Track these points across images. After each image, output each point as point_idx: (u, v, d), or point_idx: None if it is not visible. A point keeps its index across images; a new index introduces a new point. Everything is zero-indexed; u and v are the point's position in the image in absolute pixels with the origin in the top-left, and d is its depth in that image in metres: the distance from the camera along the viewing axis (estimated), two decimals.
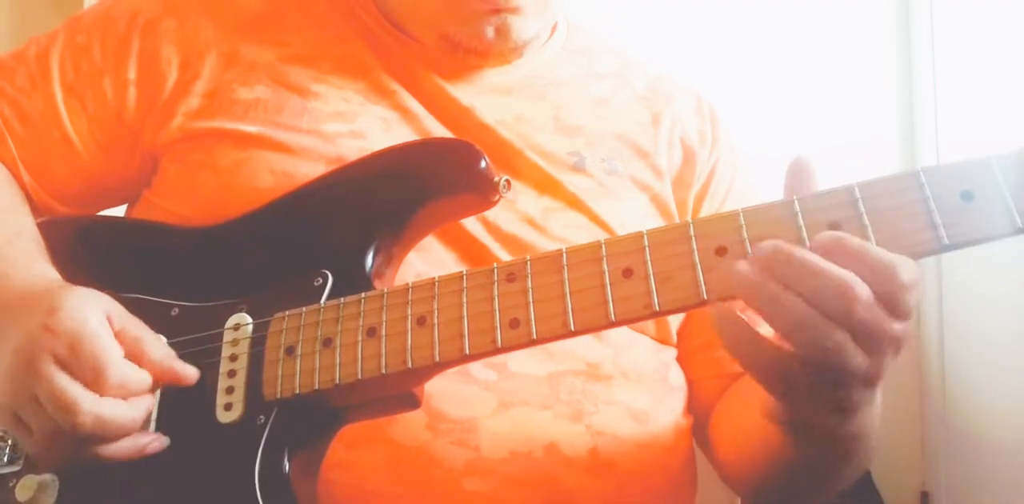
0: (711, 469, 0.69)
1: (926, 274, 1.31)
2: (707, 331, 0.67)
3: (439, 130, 0.66)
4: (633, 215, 0.67)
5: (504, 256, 0.62)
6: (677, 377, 0.67)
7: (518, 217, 0.64)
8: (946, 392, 1.25)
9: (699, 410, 0.68)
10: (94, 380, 0.51)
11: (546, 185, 0.65)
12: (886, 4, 1.45)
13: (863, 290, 0.41)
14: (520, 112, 0.68)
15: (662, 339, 0.66)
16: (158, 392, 0.56)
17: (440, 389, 0.56)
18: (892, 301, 0.42)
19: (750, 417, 0.55)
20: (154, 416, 0.56)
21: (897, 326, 0.42)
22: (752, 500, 0.66)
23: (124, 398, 0.52)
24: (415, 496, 0.55)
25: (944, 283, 1.28)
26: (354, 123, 0.65)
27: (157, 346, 0.55)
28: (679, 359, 0.68)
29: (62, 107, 0.68)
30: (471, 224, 0.63)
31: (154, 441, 0.53)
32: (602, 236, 0.63)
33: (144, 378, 0.53)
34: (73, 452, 0.52)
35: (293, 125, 0.64)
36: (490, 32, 0.64)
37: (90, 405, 0.50)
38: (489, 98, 0.68)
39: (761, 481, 0.61)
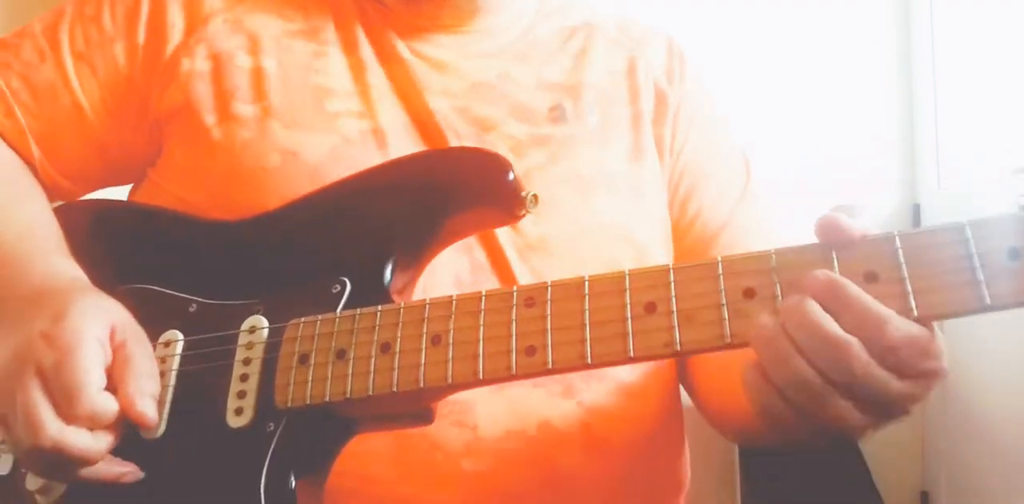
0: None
1: None
2: None
3: (416, 101, 0.67)
4: (613, 161, 0.68)
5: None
6: None
7: None
8: (946, 392, 1.23)
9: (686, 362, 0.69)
10: (65, 405, 0.51)
11: (522, 150, 0.66)
12: (886, 5, 1.43)
13: (860, 352, 0.40)
14: (505, 71, 0.70)
15: None
16: (171, 392, 0.56)
17: None
18: (890, 360, 0.41)
19: (732, 385, 0.56)
20: (165, 416, 0.56)
21: (902, 386, 0.41)
22: (740, 443, 0.68)
23: (90, 429, 0.51)
24: (415, 480, 0.57)
25: None
26: (354, 102, 0.66)
27: (140, 376, 0.53)
28: None
29: (72, 74, 0.68)
30: None
31: (129, 474, 0.53)
32: (585, 187, 0.66)
33: (117, 413, 0.52)
34: (47, 467, 0.52)
35: (298, 101, 0.65)
36: None
37: (53, 430, 0.50)
38: (473, 61, 0.69)
39: (746, 433, 0.63)
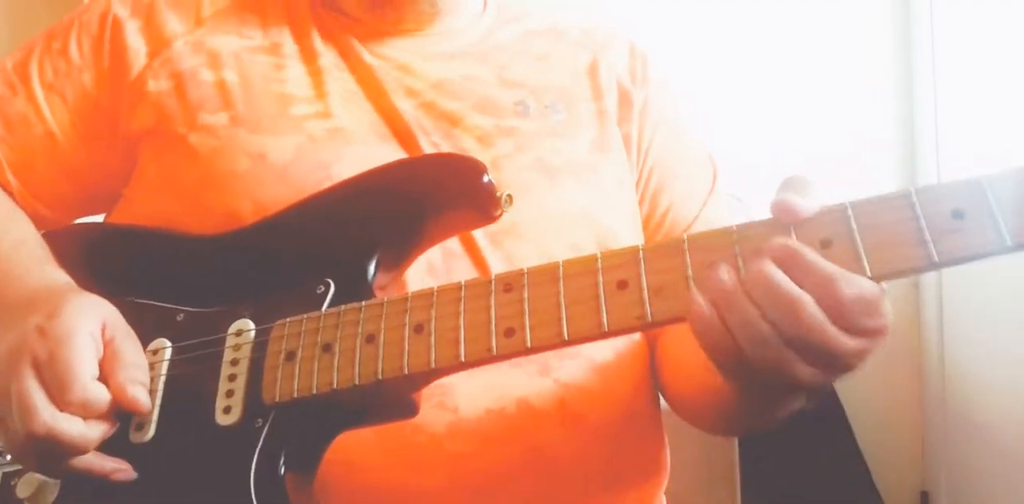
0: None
1: (927, 274, 1.30)
2: None
3: (381, 104, 0.69)
4: (579, 152, 0.71)
5: None
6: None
7: None
8: (946, 392, 1.24)
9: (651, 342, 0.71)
10: (58, 393, 0.52)
11: (488, 140, 0.69)
12: (886, 5, 1.46)
13: (810, 308, 0.43)
14: (467, 73, 0.73)
15: None
16: (160, 394, 0.58)
17: None
18: (841, 317, 0.43)
19: (692, 361, 0.59)
20: (155, 419, 0.57)
21: (852, 343, 0.44)
22: (700, 426, 0.68)
23: (83, 417, 0.53)
24: (401, 464, 0.58)
25: (944, 283, 1.28)
26: (318, 106, 0.69)
27: (130, 366, 0.56)
28: None
29: (43, 103, 0.71)
30: None
31: (120, 472, 0.55)
32: (552, 175, 0.69)
33: (109, 402, 0.54)
34: (39, 458, 0.53)
35: (262, 108, 0.68)
36: None
37: (47, 416, 0.52)
38: (433, 63, 0.73)
39: (706, 415, 0.64)
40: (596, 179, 0.71)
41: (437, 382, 0.57)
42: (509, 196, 0.60)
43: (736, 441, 1.10)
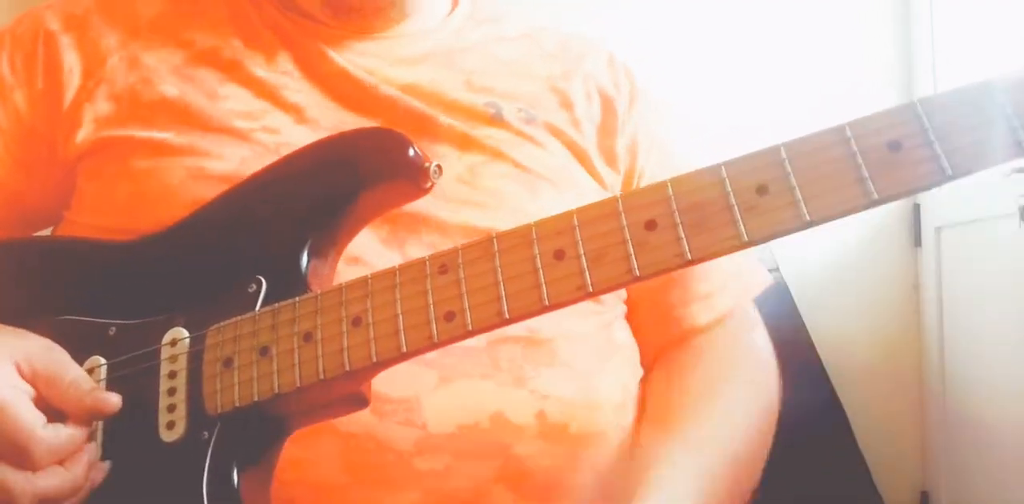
0: None
1: (928, 273, 1.31)
2: (659, 290, 0.69)
3: (347, 114, 0.67)
4: (555, 158, 0.68)
5: (443, 216, 0.63)
6: (623, 334, 0.67)
7: (446, 177, 0.63)
8: (946, 392, 1.26)
9: (646, 363, 0.69)
10: (21, 459, 0.51)
11: (464, 143, 0.67)
12: (886, 5, 1.46)
13: None
14: (433, 78, 0.70)
15: (602, 300, 0.67)
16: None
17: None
18: None
19: None
20: (99, 440, 0.56)
21: None
22: None
23: (60, 463, 0.52)
24: (369, 483, 0.56)
25: (944, 283, 1.29)
26: (264, 120, 0.65)
27: (71, 384, 0.54)
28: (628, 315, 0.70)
29: None
30: None
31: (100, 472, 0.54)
32: (530, 181, 0.66)
33: (74, 435, 0.53)
34: None
35: (204, 126, 0.65)
36: None
37: (27, 487, 0.50)
38: (399, 69, 0.70)
39: None
40: (575, 188, 0.68)
41: (398, 397, 0.55)
42: (439, 167, 0.58)
43: None
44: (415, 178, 0.57)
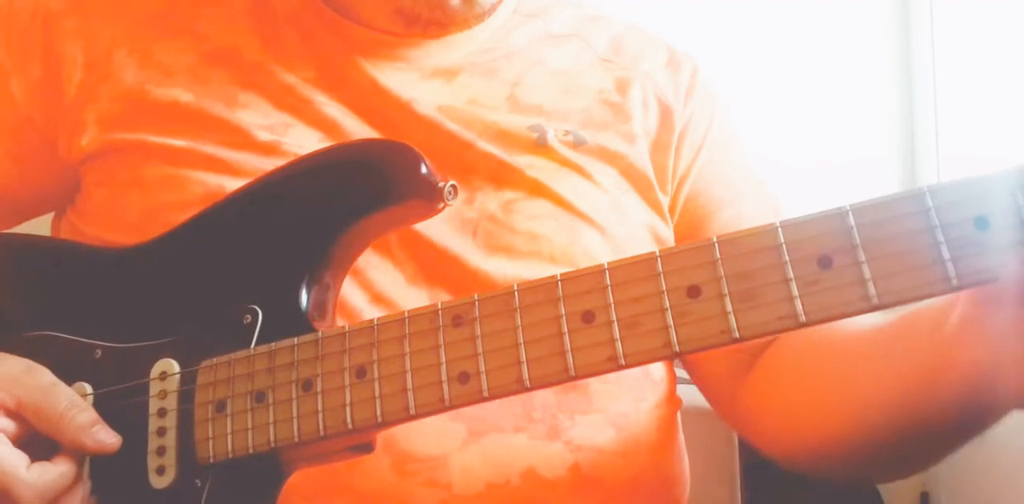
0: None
1: None
2: None
3: (375, 133, 0.61)
4: (603, 191, 0.62)
5: (473, 261, 0.58)
6: (658, 370, 0.63)
7: (478, 216, 0.59)
8: None
9: (718, 393, 0.64)
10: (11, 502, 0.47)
11: (503, 175, 0.61)
12: (886, 5, 1.42)
13: None
14: (472, 96, 0.63)
15: None
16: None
17: (404, 426, 0.51)
18: None
19: (862, 382, 0.50)
20: (85, 477, 0.52)
21: None
22: (823, 472, 0.60)
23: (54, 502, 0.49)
24: None
25: None
26: (287, 136, 0.59)
27: (64, 417, 0.50)
28: None
29: None
30: (429, 228, 0.58)
31: None
32: (571, 222, 0.60)
33: (64, 474, 0.49)
34: None
35: (222, 138, 0.59)
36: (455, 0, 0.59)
37: None
38: (435, 83, 0.63)
39: (852, 450, 0.53)
40: (624, 228, 0.61)
41: (424, 455, 0.52)
42: (454, 187, 0.53)
43: (737, 442, 1.08)
44: (428, 199, 0.52)
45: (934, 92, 1.38)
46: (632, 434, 0.58)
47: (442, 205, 0.52)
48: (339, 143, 0.59)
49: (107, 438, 0.50)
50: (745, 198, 0.66)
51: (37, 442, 0.51)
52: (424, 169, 0.52)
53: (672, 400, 0.63)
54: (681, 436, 0.64)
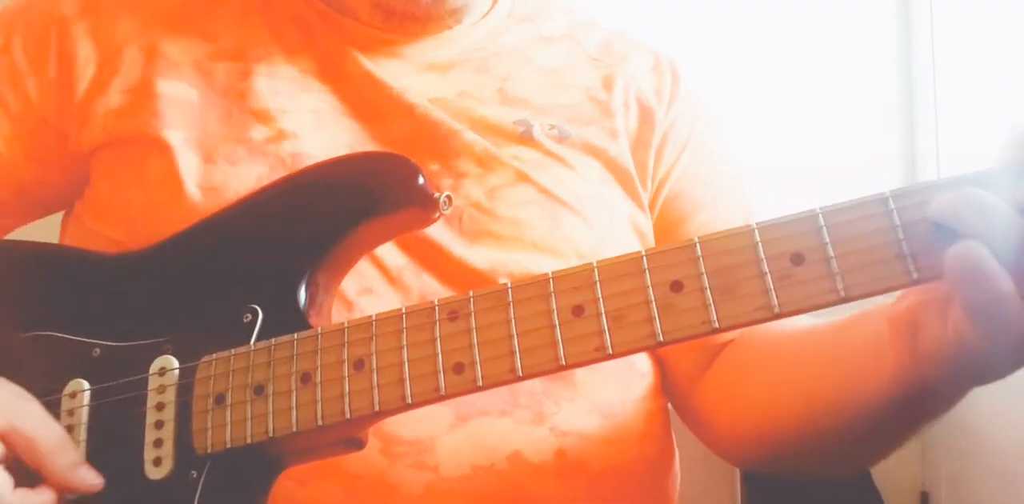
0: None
1: None
2: None
3: (366, 123, 0.64)
4: (586, 182, 0.66)
5: (457, 250, 0.61)
6: (644, 362, 0.66)
7: (464, 203, 0.63)
8: None
9: (679, 388, 0.67)
10: None
11: (488, 163, 0.64)
12: (886, 5, 1.45)
13: None
14: (463, 88, 0.67)
15: None
16: (83, 447, 0.55)
17: None
18: None
19: (816, 374, 0.54)
20: None
21: None
22: (767, 463, 0.64)
23: None
24: None
25: None
26: (283, 122, 0.63)
27: (52, 452, 0.52)
28: None
29: None
30: None
31: None
32: (553, 209, 0.64)
33: (45, 499, 0.51)
34: None
35: (220, 132, 0.63)
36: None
37: None
38: (429, 76, 0.67)
39: (803, 440, 0.57)
40: (605, 217, 0.65)
41: (414, 437, 0.54)
42: (448, 197, 0.56)
43: None
44: (424, 208, 0.56)
45: (934, 92, 1.38)
46: (617, 423, 0.61)
47: (437, 214, 0.56)
48: (341, 155, 0.62)
49: (93, 479, 0.52)
50: (721, 201, 0.70)
51: (18, 467, 0.52)
52: (421, 180, 0.56)
53: (660, 395, 0.66)
54: (672, 432, 0.67)
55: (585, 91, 0.69)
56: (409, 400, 0.48)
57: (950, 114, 1.38)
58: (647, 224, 0.68)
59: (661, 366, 0.67)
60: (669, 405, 0.68)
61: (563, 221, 0.64)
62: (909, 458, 1.33)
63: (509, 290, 0.48)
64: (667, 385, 0.67)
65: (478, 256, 0.61)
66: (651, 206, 0.69)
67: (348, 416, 0.49)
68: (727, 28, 1.40)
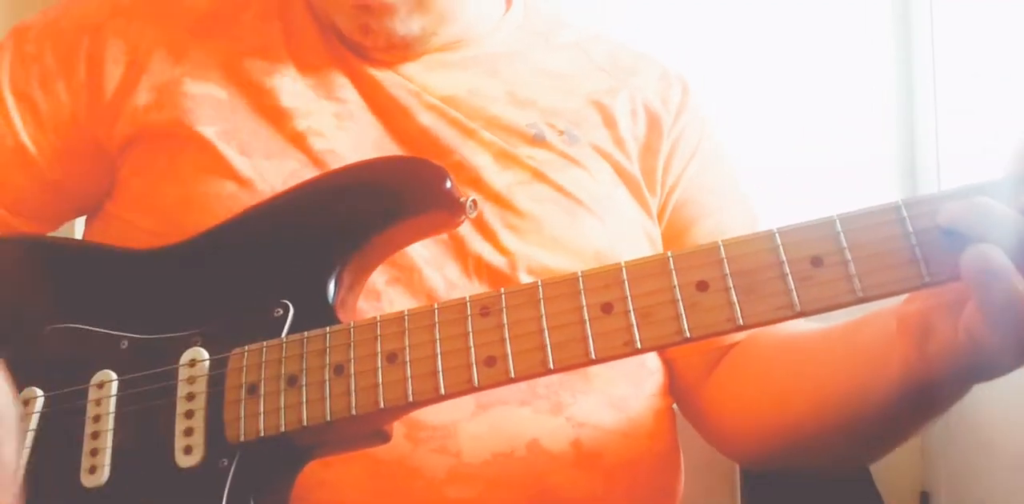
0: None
1: None
2: None
3: (387, 119, 0.67)
4: (599, 184, 0.69)
5: (474, 242, 0.64)
6: (653, 361, 0.69)
7: (483, 196, 0.65)
8: None
9: (685, 387, 0.69)
10: None
11: (504, 161, 0.67)
12: (886, 5, 1.47)
13: None
14: (473, 86, 0.70)
15: None
16: (110, 434, 0.56)
17: None
18: None
19: (826, 372, 0.57)
20: (108, 459, 0.55)
21: None
22: (771, 460, 0.66)
23: None
24: None
25: None
26: (309, 120, 0.66)
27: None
28: None
29: (14, 113, 0.68)
30: None
31: None
32: (570, 207, 0.67)
33: None
34: None
35: (252, 125, 0.65)
36: (359, 27, 0.66)
37: None
38: (440, 73, 0.70)
39: (810, 436, 0.60)
40: (618, 217, 0.68)
41: (434, 424, 0.56)
42: (474, 202, 0.59)
43: None
44: (450, 211, 0.58)
45: (934, 92, 1.40)
46: (630, 418, 0.64)
47: (463, 217, 0.59)
48: (373, 158, 0.65)
49: None
50: (728, 208, 0.73)
51: None
52: (448, 184, 0.58)
53: (668, 394, 0.69)
54: (676, 431, 0.69)
55: (589, 96, 0.72)
56: (443, 391, 0.50)
57: (950, 114, 1.39)
58: (655, 230, 0.71)
59: (669, 366, 0.70)
60: (675, 406, 0.71)
61: (580, 220, 0.66)
62: (909, 458, 1.34)
63: (540, 287, 0.50)
64: (673, 384, 0.70)
65: (497, 249, 0.64)
66: (660, 214, 0.72)
67: (382, 406, 0.51)
68: (727, 28, 1.42)
